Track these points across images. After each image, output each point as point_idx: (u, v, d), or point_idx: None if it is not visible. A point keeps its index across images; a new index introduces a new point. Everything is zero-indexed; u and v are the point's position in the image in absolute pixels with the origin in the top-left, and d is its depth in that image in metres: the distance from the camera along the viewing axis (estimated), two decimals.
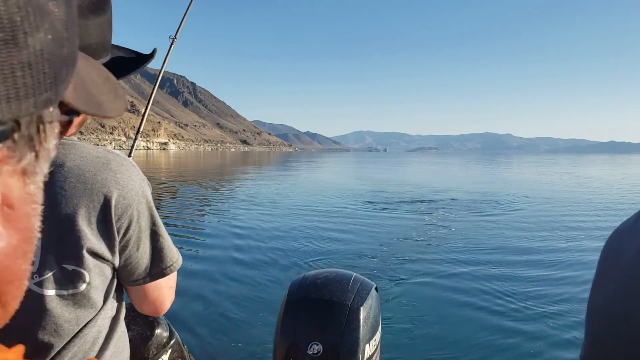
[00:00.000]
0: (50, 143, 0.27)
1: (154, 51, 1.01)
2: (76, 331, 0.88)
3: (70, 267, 0.85)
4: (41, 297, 0.84)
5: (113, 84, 0.36)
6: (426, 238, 8.46)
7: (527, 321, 4.52)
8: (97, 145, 0.97)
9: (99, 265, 0.89)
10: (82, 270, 0.86)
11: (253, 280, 5.72)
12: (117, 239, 0.90)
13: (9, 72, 0.21)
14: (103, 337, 0.93)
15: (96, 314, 0.91)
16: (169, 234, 1.04)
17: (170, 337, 1.48)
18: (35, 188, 0.27)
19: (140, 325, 1.40)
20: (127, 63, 0.92)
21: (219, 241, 7.94)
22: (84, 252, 0.86)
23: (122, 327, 1.01)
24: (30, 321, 0.85)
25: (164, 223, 1.02)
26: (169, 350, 1.45)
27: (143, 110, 2.52)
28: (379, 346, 1.53)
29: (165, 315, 1.25)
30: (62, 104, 0.28)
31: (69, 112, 0.29)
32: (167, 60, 2.37)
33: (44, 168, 0.27)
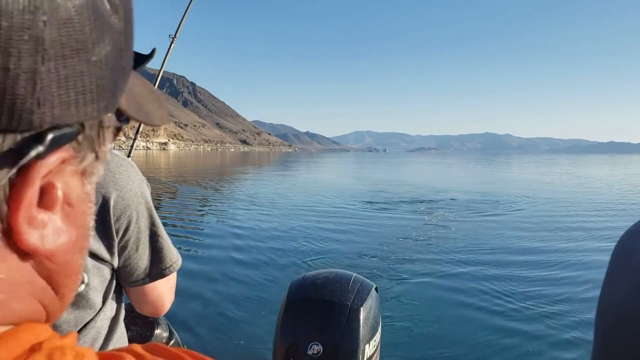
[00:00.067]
0: (107, 147, 0.29)
1: (153, 51, 1.01)
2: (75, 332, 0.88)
3: None
4: None
5: (156, 95, 0.39)
6: (426, 238, 8.46)
7: (527, 321, 4.52)
8: None
9: (98, 266, 0.89)
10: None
11: (253, 280, 5.72)
12: (116, 240, 0.90)
13: (79, 79, 0.23)
14: (102, 338, 0.93)
15: (95, 315, 0.91)
16: (169, 234, 1.03)
17: (170, 338, 1.47)
18: (92, 188, 0.29)
19: (140, 325, 1.40)
20: None
21: (218, 241, 7.94)
22: None
23: (121, 327, 1.00)
24: None
25: (163, 223, 1.02)
26: None
27: None
28: (379, 346, 1.53)
29: (164, 315, 1.25)
30: (116, 110, 0.30)
31: (120, 119, 0.31)
32: (166, 60, 2.37)
33: (100, 170, 0.29)
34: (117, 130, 0.31)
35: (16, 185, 0.23)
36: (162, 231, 1.00)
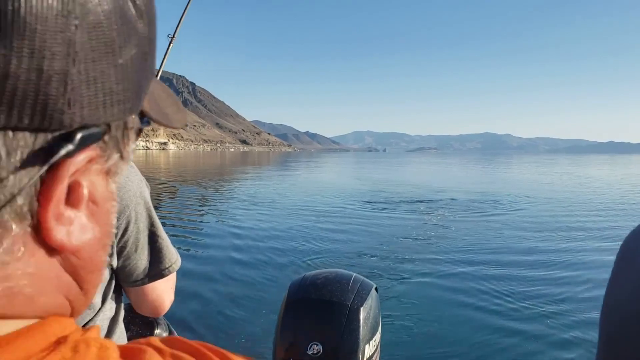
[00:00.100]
0: (131, 147, 0.30)
1: None
2: None
3: None
4: None
5: (174, 98, 0.40)
6: (426, 238, 8.46)
7: (526, 321, 4.52)
8: None
9: None
10: None
11: (253, 280, 5.72)
12: (115, 240, 0.90)
13: (106, 81, 0.25)
14: None
15: (94, 315, 0.90)
16: (168, 234, 1.03)
17: None
18: (115, 187, 0.30)
19: (139, 325, 1.40)
20: None
21: (218, 241, 7.94)
22: None
23: (120, 327, 1.00)
24: None
25: (162, 223, 1.02)
26: None
27: None
28: (379, 346, 1.53)
29: (164, 315, 1.25)
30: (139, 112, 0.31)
31: (141, 120, 0.32)
32: (165, 60, 2.36)
33: (124, 169, 0.30)
34: (139, 131, 0.32)
35: (46, 182, 0.24)
36: (162, 231, 1.00)
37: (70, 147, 0.24)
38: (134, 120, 0.30)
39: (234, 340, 4.03)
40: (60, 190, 0.24)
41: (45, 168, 0.23)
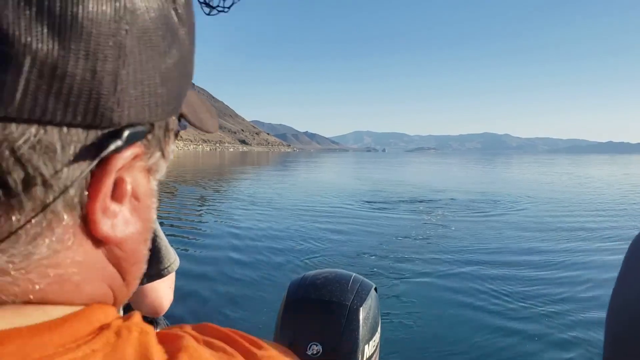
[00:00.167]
0: (171, 147, 0.32)
1: None
2: None
3: None
4: None
5: (208, 105, 0.42)
6: (425, 238, 8.46)
7: (526, 320, 4.52)
8: None
9: None
10: None
11: (252, 280, 5.72)
12: None
13: (152, 83, 0.26)
14: None
15: None
16: (167, 234, 1.03)
17: None
18: (156, 184, 0.32)
19: None
20: None
21: (217, 241, 7.94)
22: None
23: None
24: None
25: (161, 223, 1.01)
26: None
27: None
28: (379, 346, 1.53)
29: (163, 315, 1.24)
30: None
31: (179, 123, 0.34)
32: None
33: (164, 168, 0.32)
34: (177, 133, 0.33)
35: (96, 176, 0.26)
36: (160, 231, 0.99)
37: (118, 142, 0.25)
38: (174, 121, 0.32)
39: None
40: (107, 184, 0.26)
41: (95, 162, 0.25)
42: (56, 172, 0.24)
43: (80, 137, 0.24)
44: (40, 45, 0.21)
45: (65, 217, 0.25)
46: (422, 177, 30.69)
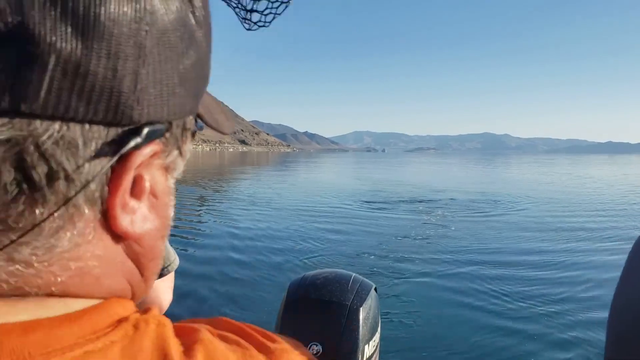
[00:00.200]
0: (189, 146, 0.33)
1: None
2: None
3: None
4: None
5: (222, 107, 0.42)
6: (425, 238, 8.46)
7: (526, 320, 4.52)
8: None
9: None
10: None
11: (252, 280, 5.71)
12: None
13: (170, 82, 0.27)
14: None
15: None
16: None
17: None
18: (173, 183, 0.33)
19: None
20: None
21: (217, 241, 7.93)
22: None
23: None
24: None
25: None
26: None
27: None
28: (378, 346, 1.52)
29: (163, 315, 1.24)
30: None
31: (196, 124, 0.34)
32: None
33: (181, 167, 0.33)
34: (193, 134, 0.34)
35: (116, 171, 0.26)
36: None
37: (138, 139, 0.26)
38: (191, 121, 0.32)
39: None
40: (127, 180, 0.27)
41: (116, 158, 0.26)
42: (78, 167, 0.24)
43: (101, 134, 0.25)
44: (64, 44, 0.22)
45: (87, 211, 0.26)
46: (421, 177, 30.69)
